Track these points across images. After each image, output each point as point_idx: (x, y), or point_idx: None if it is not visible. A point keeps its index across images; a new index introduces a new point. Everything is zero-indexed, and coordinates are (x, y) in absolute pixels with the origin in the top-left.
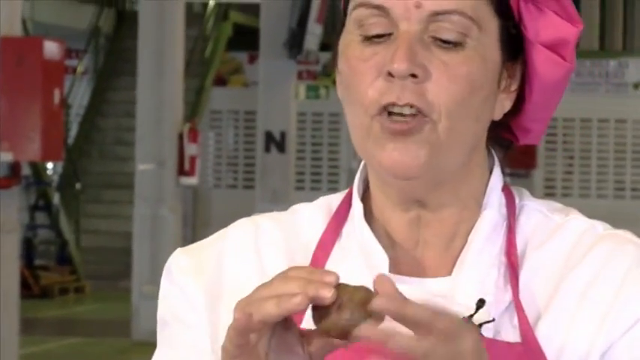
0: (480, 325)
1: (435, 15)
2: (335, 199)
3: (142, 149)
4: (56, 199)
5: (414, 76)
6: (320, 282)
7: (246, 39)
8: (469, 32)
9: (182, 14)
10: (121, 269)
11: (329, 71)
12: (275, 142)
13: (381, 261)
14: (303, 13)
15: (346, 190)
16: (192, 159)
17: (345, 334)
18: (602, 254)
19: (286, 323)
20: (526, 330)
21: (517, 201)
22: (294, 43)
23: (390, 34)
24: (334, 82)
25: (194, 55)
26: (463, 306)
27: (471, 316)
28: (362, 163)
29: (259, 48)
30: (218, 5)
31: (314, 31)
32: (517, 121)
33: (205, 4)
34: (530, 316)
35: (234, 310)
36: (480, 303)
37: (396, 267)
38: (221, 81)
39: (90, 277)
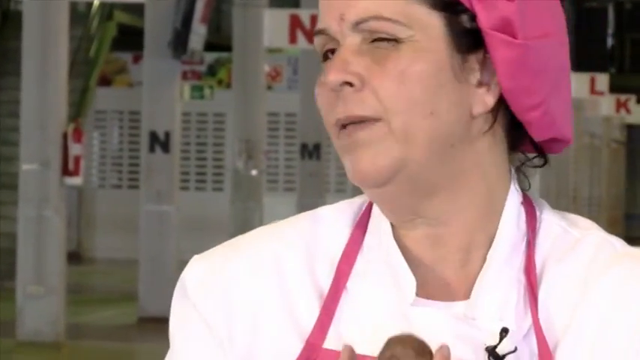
0: (504, 356)
1: (357, 24)
2: (357, 204)
3: (26, 149)
4: None
5: (350, 84)
6: None
7: (130, 39)
8: (397, 33)
9: (66, 14)
10: (6, 270)
11: (215, 71)
12: (159, 142)
13: (408, 285)
14: (188, 14)
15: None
16: (77, 159)
17: None
18: (622, 276)
19: None
20: (547, 357)
21: (537, 214)
22: (179, 43)
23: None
24: (219, 83)
25: (78, 55)
26: (487, 332)
27: (495, 346)
28: None
29: (144, 48)
30: (102, 5)
31: (198, 31)
32: (518, 118)
33: (90, 4)
34: (549, 340)
35: None
36: (504, 333)
37: (420, 290)
38: (106, 81)
39: None
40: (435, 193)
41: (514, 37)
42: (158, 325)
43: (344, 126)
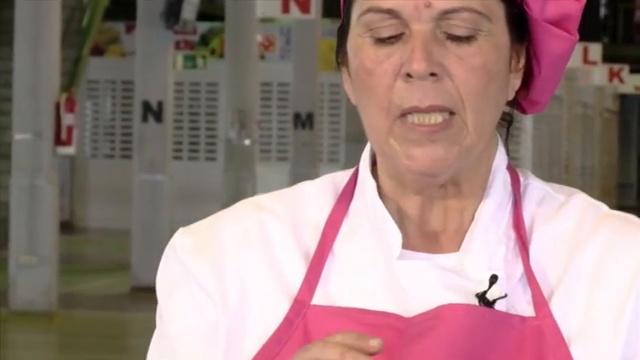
0: (494, 301)
1: (445, 13)
2: (339, 177)
3: (18, 119)
4: None
5: (432, 74)
6: (359, 349)
7: (123, 9)
8: (480, 26)
9: None
10: None
11: (207, 41)
12: (152, 112)
13: (394, 238)
14: None
15: (351, 170)
16: (69, 129)
17: None
18: (612, 232)
19: None
20: (541, 304)
21: (521, 180)
22: (171, 12)
23: (401, 34)
24: (212, 52)
25: (71, 25)
26: (475, 281)
27: (485, 292)
28: (369, 141)
29: (136, 18)
30: None
31: (191, 1)
32: (526, 96)
33: None
34: (543, 289)
35: None
36: (493, 279)
37: (408, 243)
38: (98, 51)
39: None
40: (461, 171)
41: (570, 32)
42: (151, 294)
43: (404, 114)
